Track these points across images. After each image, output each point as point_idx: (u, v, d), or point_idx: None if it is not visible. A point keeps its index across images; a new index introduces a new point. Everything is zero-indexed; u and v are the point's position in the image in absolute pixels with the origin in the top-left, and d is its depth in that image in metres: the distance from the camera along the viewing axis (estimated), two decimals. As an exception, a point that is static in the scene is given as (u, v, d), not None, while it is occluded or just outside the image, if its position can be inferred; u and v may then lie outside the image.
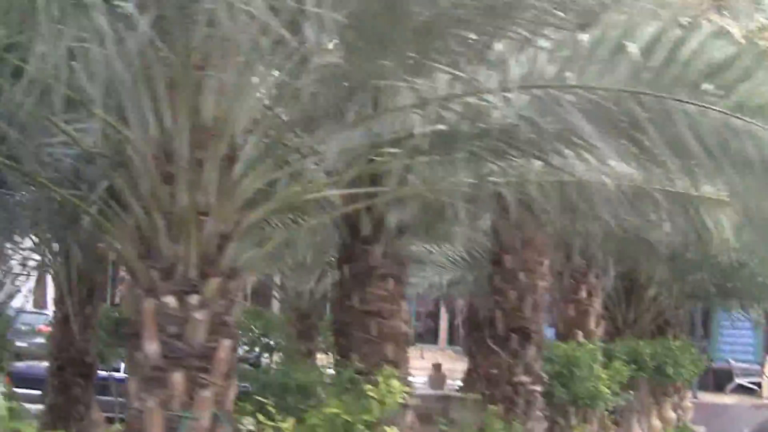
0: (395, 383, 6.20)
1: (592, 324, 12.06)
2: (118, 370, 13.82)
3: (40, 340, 14.74)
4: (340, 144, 5.33)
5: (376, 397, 6.05)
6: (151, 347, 5.18)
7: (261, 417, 5.75)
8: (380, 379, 6.39)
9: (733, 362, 25.16)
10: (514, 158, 5.24)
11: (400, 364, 7.95)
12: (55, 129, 5.43)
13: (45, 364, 12.35)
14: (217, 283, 5.27)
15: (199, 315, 5.19)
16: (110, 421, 12.36)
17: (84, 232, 6.80)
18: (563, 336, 11.85)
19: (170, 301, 5.18)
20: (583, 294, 12.03)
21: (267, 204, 5.53)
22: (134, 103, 5.24)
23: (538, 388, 10.02)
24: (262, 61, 5.05)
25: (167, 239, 5.22)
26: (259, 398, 5.96)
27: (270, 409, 5.86)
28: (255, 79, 5.28)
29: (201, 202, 5.23)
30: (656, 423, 14.55)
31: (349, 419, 5.95)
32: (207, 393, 5.22)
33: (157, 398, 5.15)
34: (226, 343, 5.31)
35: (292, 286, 15.78)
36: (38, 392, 10.60)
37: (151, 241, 5.27)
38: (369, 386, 6.16)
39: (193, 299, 5.20)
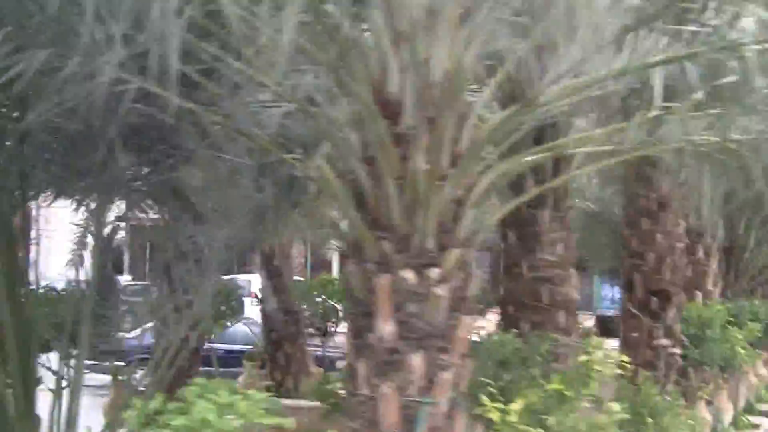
0: (613, 353, 5.34)
1: (709, 284, 11.15)
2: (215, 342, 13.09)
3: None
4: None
5: (599, 368, 5.19)
6: (387, 328, 4.32)
7: (484, 398, 4.89)
8: (590, 349, 5.53)
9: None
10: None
11: (571, 332, 7.11)
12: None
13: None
14: (457, 255, 4.40)
15: (440, 290, 4.33)
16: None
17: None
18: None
19: (408, 276, 4.31)
20: (701, 254, 11.09)
21: (501, 165, 4.63)
22: (357, 55, 4.37)
23: (678, 350, 9.16)
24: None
25: (400, 207, 4.35)
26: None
27: (491, 389, 5.01)
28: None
29: (438, 166, 4.35)
30: (753, 379, 13.67)
31: (571, 394, 5.11)
32: (447, 375, 4.37)
33: (393, 383, 4.31)
34: (467, 320, 4.46)
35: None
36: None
37: (381, 210, 4.40)
38: (586, 358, 5.30)
39: (433, 273, 4.34)
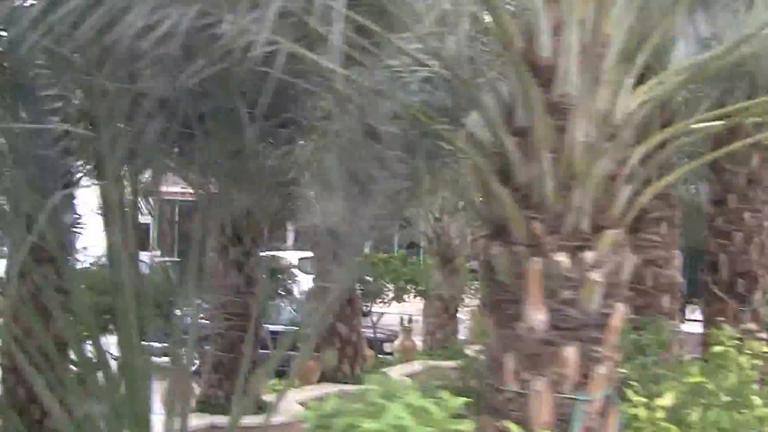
0: (755, 344, 4.95)
1: (780, 266, 10.67)
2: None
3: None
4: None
5: (743, 363, 4.81)
6: (539, 317, 3.95)
7: (630, 393, 4.51)
8: (722, 338, 5.15)
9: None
10: None
11: (674, 317, 6.74)
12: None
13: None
14: (612, 236, 4.01)
15: (595, 276, 3.94)
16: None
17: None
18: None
19: (562, 259, 3.92)
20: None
21: (655, 136, 4.23)
22: (505, 16, 3.96)
23: (765, 335, 8.72)
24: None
25: (554, 183, 3.95)
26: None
27: (634, 382, 4.63)
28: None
29: (596, 137, 3.95)
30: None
31: (712, 387, 4.73)
32: (603, 369, 4.00)
33: (546, 378, 3.94)
34: (621, 308, 4.07)
35: (438, 231, 14.63)
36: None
37: (532, 187, 4.00)
38: (731, 350, 4.91)
39: (588, 256, 3.95)
